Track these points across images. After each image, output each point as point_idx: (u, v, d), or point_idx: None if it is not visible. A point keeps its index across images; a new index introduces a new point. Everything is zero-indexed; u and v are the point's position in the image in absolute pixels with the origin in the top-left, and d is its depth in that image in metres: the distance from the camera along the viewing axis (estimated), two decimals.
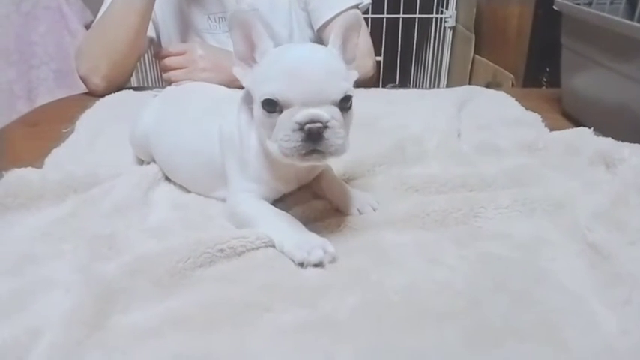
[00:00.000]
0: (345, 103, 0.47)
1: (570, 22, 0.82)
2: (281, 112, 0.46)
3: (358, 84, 1.03)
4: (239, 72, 0.52)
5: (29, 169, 0.61)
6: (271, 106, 0.47)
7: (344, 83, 0.47)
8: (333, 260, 0.48)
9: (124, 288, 0.44)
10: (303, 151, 0.46)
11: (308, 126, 0.45)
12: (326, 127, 0.45)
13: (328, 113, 0.45)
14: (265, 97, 0.47)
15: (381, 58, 1.66)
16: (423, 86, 1.92)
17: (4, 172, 0.59)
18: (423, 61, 1.91)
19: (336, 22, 0.48)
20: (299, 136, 0.45)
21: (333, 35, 0.51)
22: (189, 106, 0.63)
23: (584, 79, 0.82)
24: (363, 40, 1.10)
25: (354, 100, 0.49)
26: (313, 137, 0.45)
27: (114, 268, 0.46)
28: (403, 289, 0.45)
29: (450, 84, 1.81)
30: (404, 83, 1.89)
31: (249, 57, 0.51)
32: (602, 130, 0.70)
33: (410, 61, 1.87)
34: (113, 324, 0.41)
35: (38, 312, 0.42)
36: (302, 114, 0.45)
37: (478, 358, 0.38)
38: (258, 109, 0.49)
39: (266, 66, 0.49)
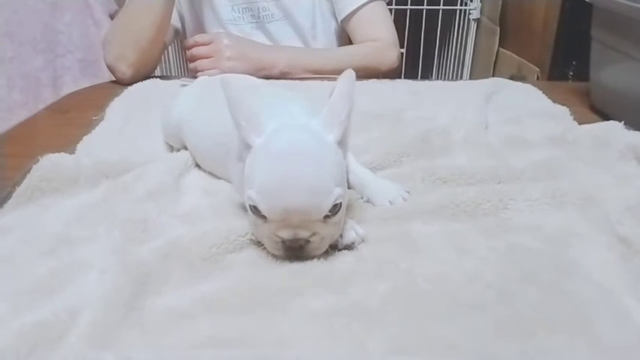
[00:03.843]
0: (333, 209, 0.45)
1: (602, 14, 0.80)
2: (265, 217, 0.45)
3: (383, 75, 1.04)
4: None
5: (63, 154, 0.63)
6: (256, 210, 0.45)
7: (329, 199, 0.44)
8: (364, 241, 0.49)
9: (158, 271, 0.45)
10: (286, 257, 0.47)
11: (288, 244, 0.45)
12: (308, 242, 0.45)
13: (309, 230, 0.45)
14: (249, 202, 0.45)
15: (404, 50, 1.65)
16: (445, 79, 1.90)
17: (39, 157, 0.60)
18: (446, 53, 1.90)
19: (333, 94, 0.46)
20: (281, 246, 0.46)
21: (329, 112, 0.46)
22: (220, 97, 0.64)
23: (615, 73, 0.80)
24: (388, 31, 1.10)
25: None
26: (294, 250, 0.46)
27: (148, 251, 0.47)
28: (433, 279, 0.45)
29: (473, 77, 1.79)
30: (426, 75, 1.87)
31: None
32: (633, 124, 0.69)
33: (433, 53, 1.85)
34: (148, 306, 0.42)
35: (76, 292, 0.43)
36: (283, 232, 0.45)
37: (509, 348, 0.38)
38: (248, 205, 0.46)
39: (254, 159, 0.46)
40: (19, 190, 0.57)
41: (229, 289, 0.44)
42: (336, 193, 0.44)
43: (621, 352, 0.38)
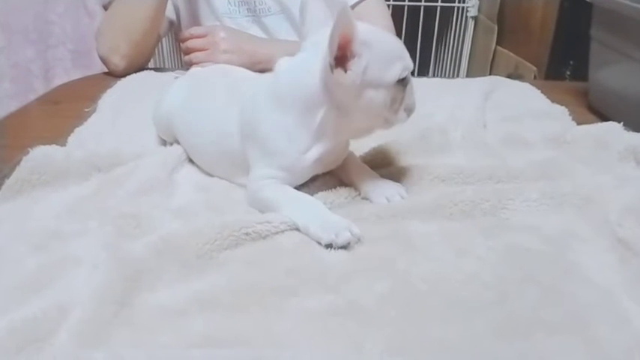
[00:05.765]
0: None
1: (602, 14, 0.80)
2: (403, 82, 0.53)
3: None
4: (341, 77, 0.50)
5: (54, 146, 0.61)
6: (404, 80, 0.53)
7: None
8: (359, 241, 0.48)
9: (151, 268, 0.44)
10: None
11: (412, 106, 0.56)
12: None
13: None
14: (404, 74, 0.52)
15: None
16: (442, 76, 1.90)
17: (29, 149, 0.59)
18: (443, 50, 1.89)
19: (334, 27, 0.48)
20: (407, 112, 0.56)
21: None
22: (212, 90, 0.63)
23: (615, 73, 0.80)
24: (386, 27, 1.08)
25: None
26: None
27: (140, 247, 0.46)
28: (430, 279, 0.44)
29: (469, 74, 1.79)
30: (423, 72, 1.86)
31: (345, 59, 0.50)
32: (632, 126, 0.69)
33: (430, 49, 1.84)
34: (140, 303, 0.41)
35: (66, 288, 0.42)
36: (409, 98, 0.55)
37: (507, 349, 0.38)
38: (385, 92, 0.52)
39: (381, 53, 0.51)
40: (8, 182, 0.56)
41: (223, 287, 0.43)
42: None
43: (620, 355, 0.38)
